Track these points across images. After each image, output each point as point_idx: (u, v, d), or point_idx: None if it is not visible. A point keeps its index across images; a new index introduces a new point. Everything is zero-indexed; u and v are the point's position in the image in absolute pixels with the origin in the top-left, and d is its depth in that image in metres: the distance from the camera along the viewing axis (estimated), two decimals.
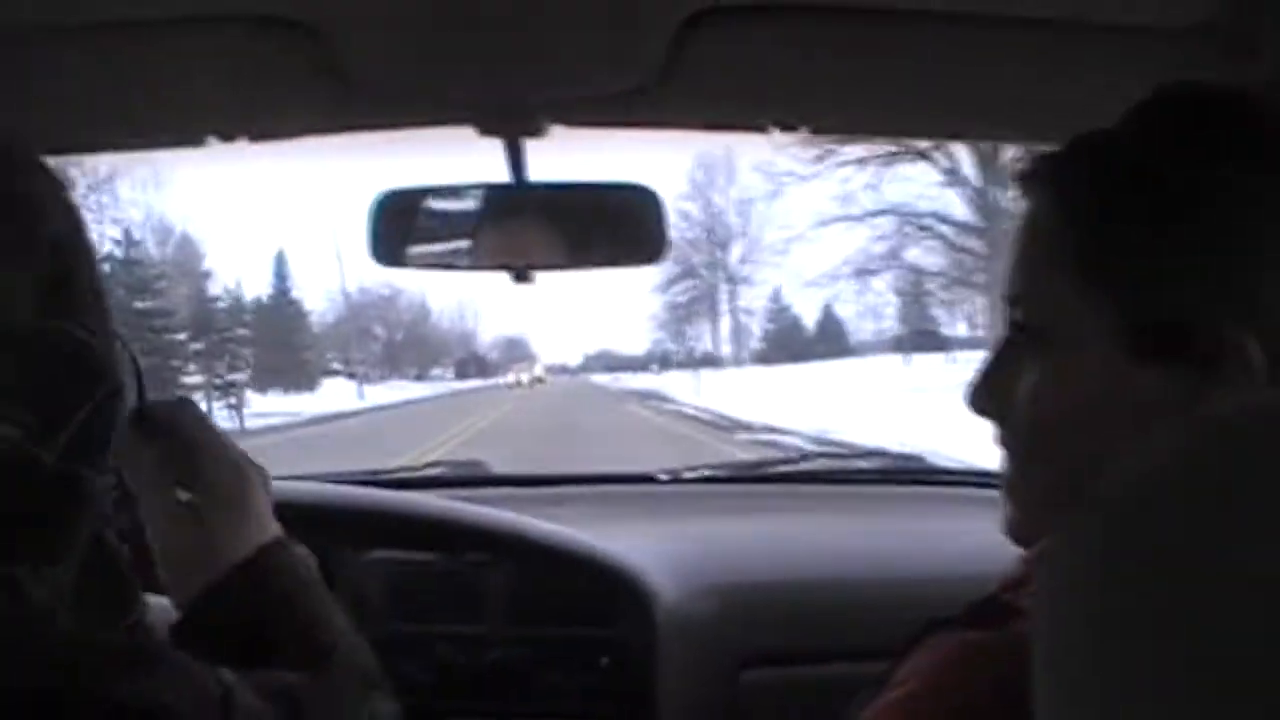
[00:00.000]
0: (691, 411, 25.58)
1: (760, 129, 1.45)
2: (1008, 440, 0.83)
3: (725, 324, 69.29)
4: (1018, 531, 0.84)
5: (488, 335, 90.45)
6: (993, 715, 0.64)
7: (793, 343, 69.94)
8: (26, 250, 0.58)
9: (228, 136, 1.34)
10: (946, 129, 1.43)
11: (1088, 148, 0.79)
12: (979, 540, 1.87)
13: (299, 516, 1.53)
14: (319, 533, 1.57)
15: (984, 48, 1.18)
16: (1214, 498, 0.51)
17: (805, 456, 2.30)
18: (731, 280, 65.55)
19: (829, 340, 68.46)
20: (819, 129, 1.46)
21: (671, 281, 64.32)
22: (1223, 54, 1.07)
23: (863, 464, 2.25)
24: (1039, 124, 1.34)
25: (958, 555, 1.79)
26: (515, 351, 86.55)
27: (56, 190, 0.63)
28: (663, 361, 72.58)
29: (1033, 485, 0.82)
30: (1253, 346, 0.69)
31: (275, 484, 1.66)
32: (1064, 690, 0.53)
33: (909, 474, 2.22)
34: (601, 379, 67.36)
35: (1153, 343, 0.72)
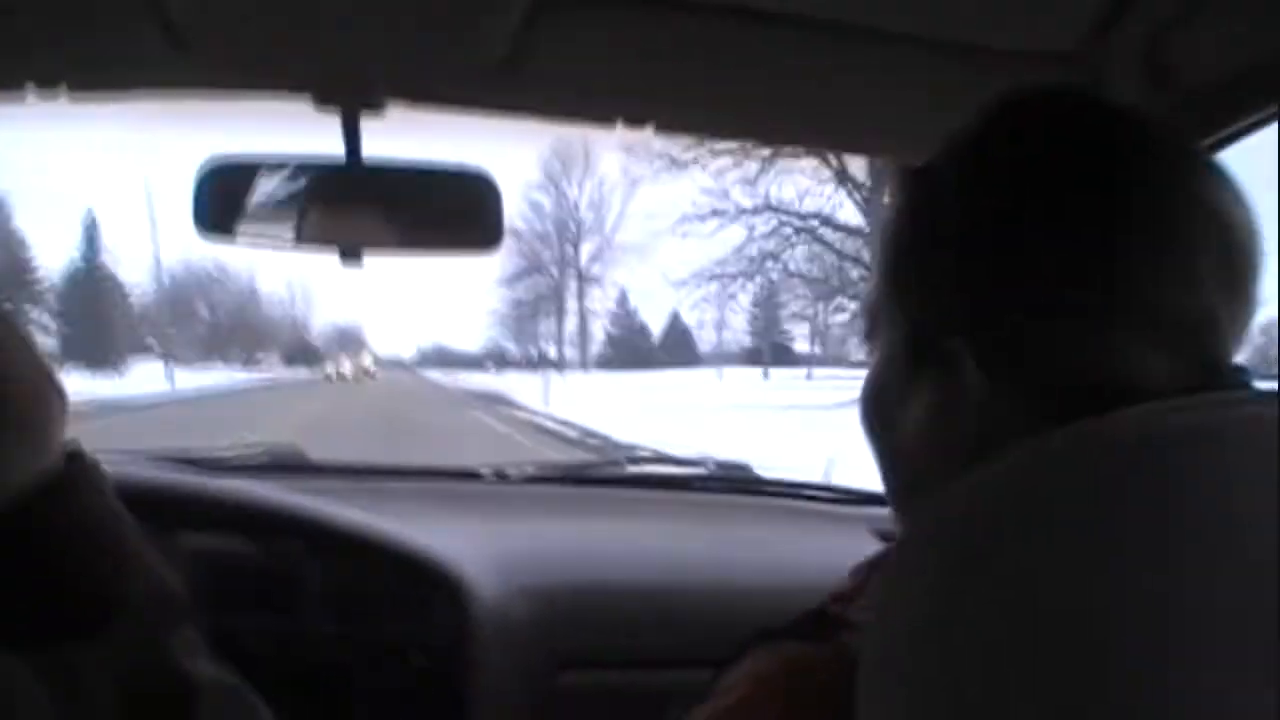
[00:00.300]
0: (549, 424, 21.43)
1: (607, 123, 1.43)
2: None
3: (570, 325, 67.23)
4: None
5: (320, 322, 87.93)
6: None
7: (638, 349, 69.19)
8: None
9: (48, 84, 1.26)
10: (797, 136, 1.44)
11: (919, 169, 0.79)
12: (803, 552, 1.91)
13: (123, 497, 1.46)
14: (135, 511, 1.51)
15: (838, 56, 1.18)
16: (1041, 525, 0.52)
17: (632, 460, 2.28)
18: (581, 279, 63.69)
19: (673, 349, 67.96)
20: (664, 128, 1.45)
21: (517, 276, 62.79)
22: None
23: (688, 470, 2.24)
24: (886, 139, 1.36)
25: (782, 566, 1.81)
26: (347, 341, 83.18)
27: None
28: (499, 361, 70.74)
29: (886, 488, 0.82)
30: (966, 357, 0.69)
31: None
32: (888, 704, 0.53)
33: (734, 482, 2.23)
34: (437, 376, 63.79)
35: (913, 353, 0.74)
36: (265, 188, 1.35)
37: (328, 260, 1.36)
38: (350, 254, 1.32)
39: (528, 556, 1.81)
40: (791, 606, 0.78)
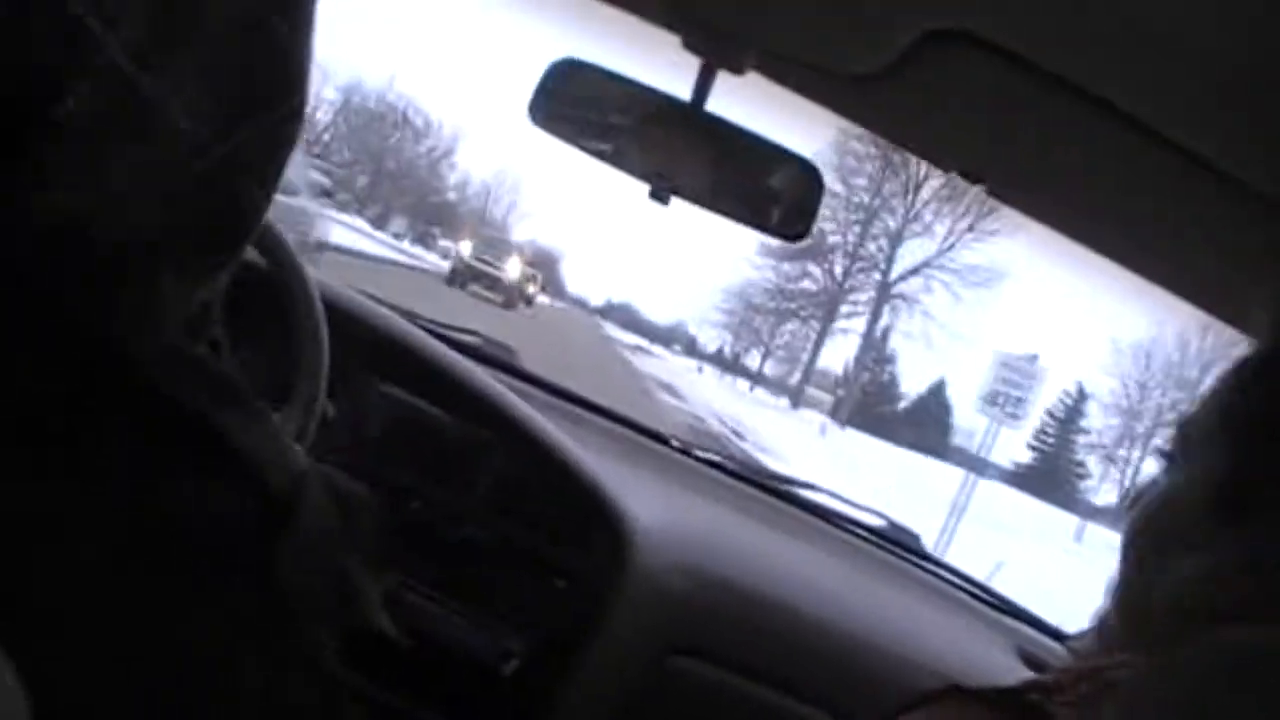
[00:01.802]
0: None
1: (945, 167, 1.42)
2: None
3: (844, 345, 48.77)
4: (1106, 641, 0.83)
5: (519, 234, 65.66)
6: None
7: (873, 407, 50.54)
8: None
9: None
10: (1139, 265, 1.39)
11: None
12: (944, 638, 1.88)
13: (343, 325, 1.53)
14: (350, 345, 1.57)
15: (1217, 206, 1.13)
16: None
17: (811, 487, 2.27)
18: (886, 291, 44.80)
19: (922, 425, 50.26)
20: (997, 194, 1.43)
21: (787, 253, 45.95)
22: None
23: (864, 516, 2.22)
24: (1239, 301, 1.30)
25: (920, 642, 1.78)
26: (541, 263, 66.72)
27: None
28: (689, 347, 63.80)
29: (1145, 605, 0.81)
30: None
31: (332, 288, 1.65)
32: None
33: (902, 545, 2.19)
34: (616, 336, 53.73)
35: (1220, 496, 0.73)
36: (605, 99, 1.38)
37: (606, 181, 1.39)
38: (660, 192, 1.34)
39: (691, 534, 1.83)
40: (914, 683, 0.77)
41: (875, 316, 45.80)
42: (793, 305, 50.58)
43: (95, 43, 0.45)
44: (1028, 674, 1.73)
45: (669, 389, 27.18)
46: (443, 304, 17.35)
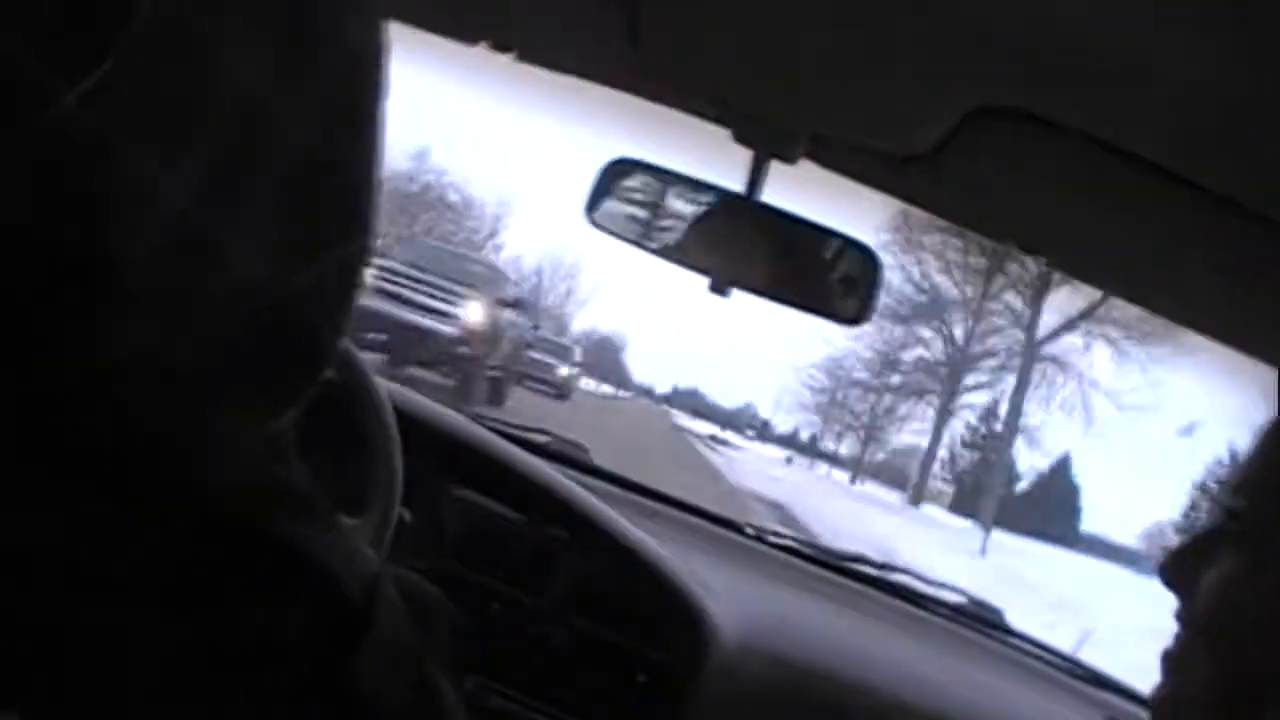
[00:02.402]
0: None
1: (1001, 240, 1.42)
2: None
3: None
4: (1166, 711, 0.83)
5: (578, 322, 63.27)
6: None
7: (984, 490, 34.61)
8: (314, 60, 0.51)
9: (503, 45, 1.34)
10: (1180, 314, 1.38)
11: None
12: (1029, 714, 1.85)
13: (414, 431, 1.55)
14: (423, 451, 1.60)
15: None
16: None
17: (889, 567, 2.25)
18: (1035, 352, 33.62)
19: (1041, 510, 39.99)
20: (1056, 264, 1.43)
21: (898, 315, 37.24)
22: None
23: (943, 594, 2.19)
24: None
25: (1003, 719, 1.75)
26: (605, 352, 66.87)
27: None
28: (761, 431, 59.84)
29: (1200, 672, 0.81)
30: None
31: (401, 394, 1.67)
32: None
33: (984, 621, 2.16)
34: (687, 425, 47.32)
35: None
36: (659, 195, 1.40)
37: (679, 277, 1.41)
38: (720, 284, 1.36)
39: (769, 622, 1.82)
40: None
41: (1023, 382, 33.95)
42: (895, 381, 40.75)
43: (153, 191, 0.45)
44: None
45: (764, 501, 20.72)
46: None
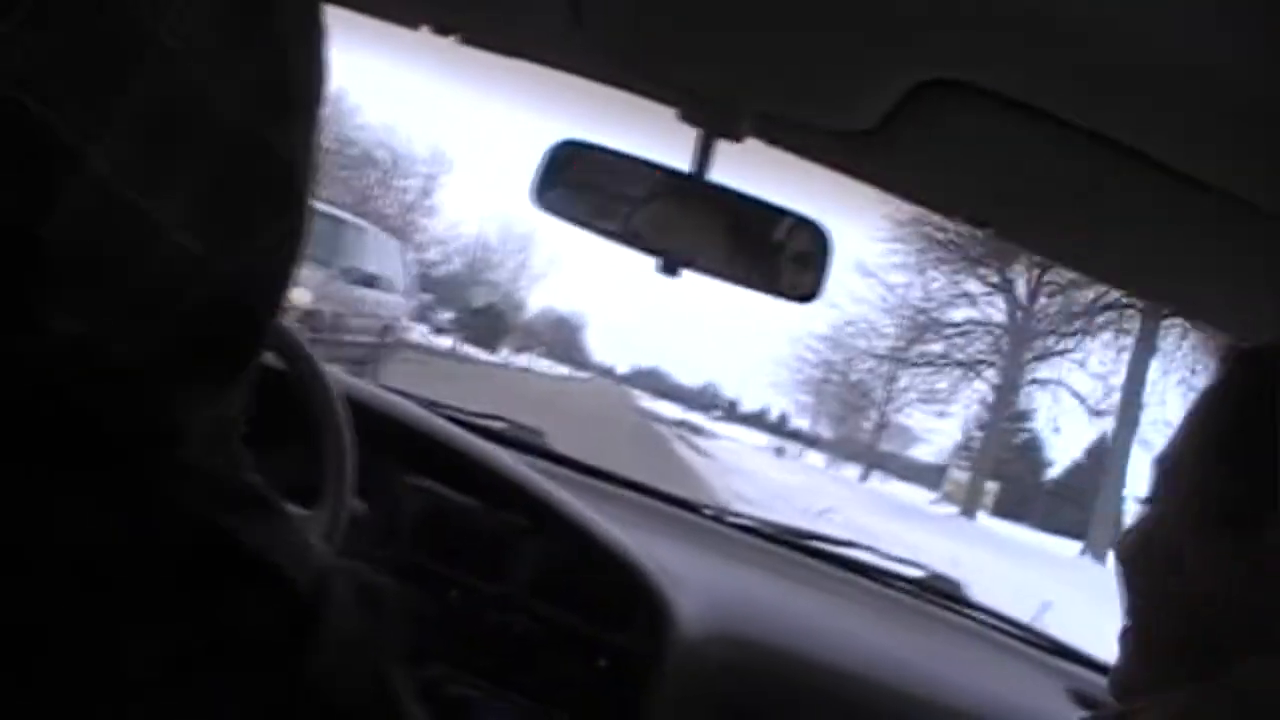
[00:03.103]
0: None
1: (949, 213, 1.42)
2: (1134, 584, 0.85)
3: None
4: (1128, 680, 0.85)
5: (535, 300, 58.32)
6: None
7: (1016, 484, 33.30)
8: (248, 35, 0.50)
9: (444, 29, 1.33)
10: (1130, 280, 1.40)
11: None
12: (991, 686, 1.86)
13: (367, 421, 1.54)
14: (377, 441, 1.58)
15: (1213, 223, 1.13)
16: None
17: (849, 544, 2.25)
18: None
19: (1068, 502, 30.64)
20: (1003, 234, 1.43)
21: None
22: None
23: (904, 569, 2.20)
24: (1232, 312, 1.30)
25: (967, 692, 1.76)
26: (562, 333, 64.92)
27: None
28: (729, 412, 57.91)
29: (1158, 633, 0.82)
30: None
31: (354, 384, 1.66)
32: None
33: (944, 595, 2.17)
34: (651, 408, 43.83)
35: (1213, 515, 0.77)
36: (608, 177, 1.39)
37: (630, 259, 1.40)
38: (671, 265, 1.35)
39: (729, 602, 1.81)
40: None
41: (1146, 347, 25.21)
42: (938, 348, 30.44)
43: (75, 157, 0.44)
44: (1079, 713, 1.71)
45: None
46: None
